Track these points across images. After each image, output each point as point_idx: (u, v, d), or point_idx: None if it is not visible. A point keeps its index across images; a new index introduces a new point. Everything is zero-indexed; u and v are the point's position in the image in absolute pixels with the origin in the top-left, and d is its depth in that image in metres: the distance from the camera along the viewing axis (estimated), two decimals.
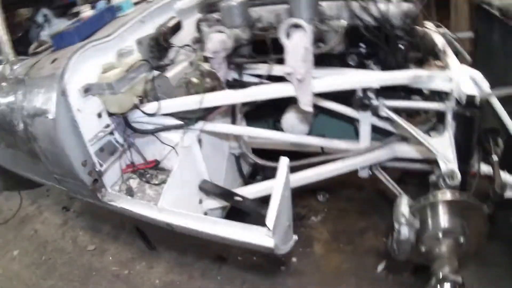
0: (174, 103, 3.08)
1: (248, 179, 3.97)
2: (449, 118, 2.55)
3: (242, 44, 3.01)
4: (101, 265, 4.37)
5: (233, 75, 3.27)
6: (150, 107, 3.08)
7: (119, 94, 2.88)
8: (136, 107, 3.06)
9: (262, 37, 2.95)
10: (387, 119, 2.89)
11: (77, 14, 4.26)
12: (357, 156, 3.11)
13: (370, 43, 2.85)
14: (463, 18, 5.08)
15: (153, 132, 3.16)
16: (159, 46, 3.31)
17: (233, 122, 3.41)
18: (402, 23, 2.67)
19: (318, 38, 2.77)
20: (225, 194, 3.14)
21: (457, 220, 2.27)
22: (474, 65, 2.63)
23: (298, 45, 2.50)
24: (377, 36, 2.73)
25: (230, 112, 3.41)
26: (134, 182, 3.31)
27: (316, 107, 2.75)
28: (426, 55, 2.83)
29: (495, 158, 2.51)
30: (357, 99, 2.77)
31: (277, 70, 2.94)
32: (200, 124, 3.07)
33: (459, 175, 2.37)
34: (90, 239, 4.79)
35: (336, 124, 3.39)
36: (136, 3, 3.67)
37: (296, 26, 2.56)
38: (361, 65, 3.03)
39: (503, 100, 2.48)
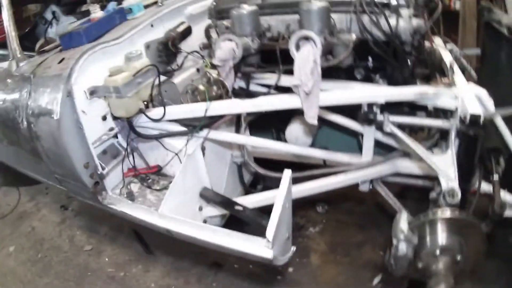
0: (179, 109, 3.08)
1: (249, 188, 3.97)
2: (452, 136, 2.55)
3: (251, 53, 3.01)
4: (97, 265, 4.37)
5: (240, 83, 3.28)
6: (155, 112, 3.07)
7: (125, 98, 2.88)
8: (141, 111, 3.05)
9: (271, 47, 2.95)
10: (391, 135, 2.89)
11: (85, 12, 4.28)
12: (359, 170, 3.11)
13: (378, 57, 2.84)
14: (470, 33, 5.09)
15: (157, 137, 3.16)
16: (167, 50, 3.31)
17: (237, 131, 3.41)
18: (411, 38, 2.67)
19: (327, 51, 2.77)
20: (225, 202, 3.14)
21: (455, 238, 2.29)
22: (480, 82, 2.64)
23: (307, 58, 2.51)
24: (386, 50, 2.74)
25: (235, 121, 3.41)
26: (135, 187, 3.30)
27: (320, 119, 2.75)
28: (433, 71, 2.83)
29: (496, 177, 2.52)
30: (362, 114, 2.77)
31: (284, 81, 2.94)
32: (204, 132, 3.07)
33: (459, 194, 2.38)
34: (87, 239, 4.79)
35: (339, 137, 3.39)
36: (146, 6, 3.67)
37: (306, 38, 2.57)
38: (368, 79, 3.04)
39: (507, 120, 2.50)
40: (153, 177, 3.34)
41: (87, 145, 2.95)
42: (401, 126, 2.78)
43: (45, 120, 2.85)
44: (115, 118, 3.12)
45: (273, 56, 2.92)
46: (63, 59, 2.97)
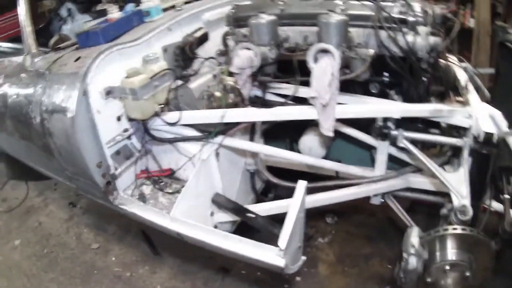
0: (196, 114, 3.11)
1: (260, 196, 3.98)
2: (465, 154, 2.57)
3: (268, 62, 3.02)
4: (103, 264, 4.39)
5: (256, 92, 3.30)
6: (171, 116, 3.09)
7: (141, 100, 2.88)
8: (156, 114, 3.07)
9: (288, 57, 2.96)
10: (404, 150, 2.90)
11: (100, 12, 4.29)
12: (371, 183, 3.12)
13: (394, 73, 2.87)
14: (484, 51, 5.11)
15: (171, 141, 3.18)
16: (184, 55, 3.32)
17: (252, 139, 3.42)
18: (428, 56, 2.69)
19: (345, 64, 2.78)
20: (237, 209, 3.15)
21: (465, 254, 2.31)
22: (493, 101, 2.66)
23: (325, 70, 2.52)
24: (402, 66, 2.75)
25: (249, 129, 3.42)
26: (147, 189, 3.32)
27: (335, 131, 2.76)
28: (448, 89, 2.85)
29: (507, 196, 2.53)
30: (377, 128, 2.79)
31: (302, 92, 2.96)
32: (219, 138, 3.09)
33: (471, 211, 2.42)
34: (95, 237, 4.82)
35: (352, 150, 3.39)
36: (165, 10, 3.68)
37: (324, 50, 2.59)
38: (383, 94, 3.05)
39: None
40: (166, 180, 3.36)
41: (101, 145, 2.98)
42: (413, 142, 2.79)
43: (59, 117, 2.86)
44: (130, 119, 3.13)
45: (290, 67, 2.93)
46: (79, 57, 2.99)
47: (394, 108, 2.77)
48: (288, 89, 3.15)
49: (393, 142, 2.82)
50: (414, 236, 2.35)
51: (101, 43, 3.11)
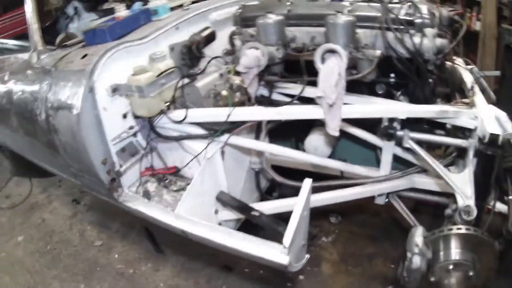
0: (202, 113, 3.11)
1: (265, 195, 3.99)
2: (470, 155, 2.59)
3: (275, 62, 3.03)
4: (106, 261, 4.39)
5: (262, 92, 3.31)
6: (176, 114, 3.10)
7: (148, 98, 2.90)
8: (163, 112, 3.09)
9: (295, 57, 2.97)
10: (409, 150, 2.92)
11: (107, 10, 4.31)
12: (376, 183, 3.13)
13: (400, 74, 2.89)
14: (489, 54, 5.11)
15: (177, 139, 3.20)
16: (191, 54, 3.31)
17: (257, 138, 3.43)
18: (434, 57, 2.70)
19: (351, 65, 2.79)
20: (242, 207, 3.16)
21: (468, 254, 2.33)
22: (498, 104, 2.67)
23: (332, 70, 2.54)
24: (409, 68, 2.77)
25: (255, 128, 3.44)
26: (152, 186, 3.34)
27: (340, 131, 2.77)
28: (454, 91, 2.87)
29: (511, 197, 2.54)
30: (383, 128, 2.80)
31: (308, 92, 2.96)
32: (225, 137, 3.09)
33: (475, 211, 2.43)
34: (98, 234, 4.82)
35: (358, 150, 3.41)
36: (172, 9, 3.69)
37: (332, 51, 2.60)
38: (389, 95, 3.07)
39: None
40: (171, 177, 3.37)
41: (106, 142, 2.99)
42: (419, 143, 2.81)
43: (64, 114, 2.87)
44: (136, 117, 3.14)
45: (296, 67, 2.95)
46: (86, 55, 3.00)
47: (400, 108, 2.79)
48: (294, 89, 3.17)
49: (399, 143, 2.83)
50: (418, 235, 2.36)
51: (108, 41, 3.11)
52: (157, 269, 4.19)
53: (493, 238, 2.35)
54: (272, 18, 2.97)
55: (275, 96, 3.33)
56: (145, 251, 4.44)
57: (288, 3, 3.21)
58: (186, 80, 3.19)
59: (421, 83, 2.84)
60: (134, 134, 3.22)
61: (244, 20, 3.34)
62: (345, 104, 2.72)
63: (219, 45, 3.57)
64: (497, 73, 3.72)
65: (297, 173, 3.28)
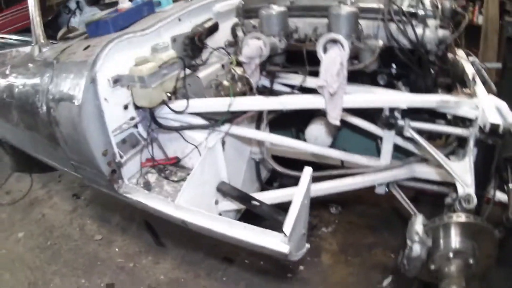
0: (203, 103, 3.11)
1: (265, 185, 4.00)
2: (471, 144, 2.59)
3: (277, 53, 3.05)
4: (106, 255, 4.39)
5: (264, 82, 3.32)
6: (178, 104, 3.10)
7: (149, 88, 2.90)
8: (164, 103, 3.08)
9: (297, 48, 2.99)
10: (410, 140, 2.94)
11: (109, 4, 4.32)
12: (376, 172, 3.15)
13: (402, 64, 2.90)
14: (491, 48, 5.12)
15: (178, 129, 3.19)
16: (193, 45, 3.31)
17: (258, 128, 3.44)
18: (436, 48, 2.71)
19: (353, 55, 2.82)
20: (242, 197, 3.16)
21: (468, 242, 2.31)
22: (499, 95, 2.67)
23: (334, 60, 2.55)
24: (411, 58, 2.78)
25: (256, 118, 3.44)
26: (152, 177, 3.33)
27: (341, 121, 2.78)
28: (455, 81, 2.87)
29: (511, 186, 2.55)
30: (384, 118, 2.81)
31: (310, 82, 2.97)
32: (226, 127, 3.10)
33: (475, 200, 2.43)
34: (98, 228, 4.81)
35: (358, 140, 3.43)
36: (175, 0, 3.71)
37: (334, 41, 2.61)
38: (390, 85, 3.08)
39: None
40: (171, 168, 3.37)
41: (107, 133, 2.98)
42: (420, 133, 2.82)
43: (65, 105, 2.87)
44: (137, 107, 3.13)
45: (298, 57, 2.97)
46: (88, 46, 3.00)
47: (401, 98, 2.79)
48: (295, 79, 3.18)
49: (399, 132, 2.85)
50: (418, 223, 2.36)
51: (110, 33, 3.12)
52: (158, 262, 4.19)
53: (492, 226, 2.35)
54: (275, 9, 3.00)
55: (277, 87, 3.34)
56: (145, 244, 4.44)
57: None
58: (188, 71, 3.19)
59: (423, 74, 2.85)
60: (135, 125, 3.21)
61: (247, 11, 3.37)
62: (346, 94, 2.72)
63: (222, 37, 3.59)
64: (499, 65, 3.73)
65: (298, 164, 3.29)
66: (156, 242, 4.40)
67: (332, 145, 3.39)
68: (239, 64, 3.11)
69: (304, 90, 3.04)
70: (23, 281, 4.24)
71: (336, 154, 3.30)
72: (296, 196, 2.46)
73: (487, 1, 5.28)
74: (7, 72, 3.52)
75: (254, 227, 2.57)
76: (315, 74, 2.68)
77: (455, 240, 2.32)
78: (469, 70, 2.88)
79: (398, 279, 3.52)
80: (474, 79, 2.75)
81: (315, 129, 3.30)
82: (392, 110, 2.79)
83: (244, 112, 3.08)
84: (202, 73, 3.20)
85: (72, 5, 4.86)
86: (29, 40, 3.57)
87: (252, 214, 3.09)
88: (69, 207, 5.25)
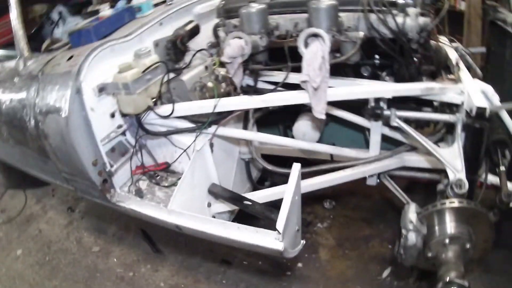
0: (188, 106, 3.10)
1: (257, 185, 3.99)
2: (458, 129, 2.60)
3: (259, 51, 3.04)
4: (105, 266, 4.38)
5: (248, 81, 3.31)
6: (164, 109, 3.09)
7: (134, 94, 2.89)
8: (150, 108, 3.07)
9: (279, 44, 2.99)
10: (398, 129, 2.94)
11: (92, 13, 4.31)
12: (366, 164, 3.14)
13: (385, 55, 2.90)
14: (475, 33, 5.14)
15: (165, 134, 3.19)
16: (176, 49, 3.31)
17: (245, 127, 3.43)
18: (418, 36, 2.71)
19: (335, 48, 2.82)
20: (234, 198, 3.15)
21: (463, 227, 2.32)
22: (485, 79, 2.68)
23: (315, 54, 2.54)
24: (393, 48, 2.78)
25: (243, 118, 3.44)
26: (143, 184, 3.31)
27: (327, 115, 2.79)
28: (439, 68, 2.87)
29: (502, 168, 2.54)
30: (370, 109, 2.82)
31: (293, 78, 2.97)
32: (213, 128, 3.10)
33: (467, 184, 2.44)
34: (95, 240, 4.79)
35: (346, 133, 3.43)
36: (155, 5, 3.71)
37: (315, 35, 2.61)
38: (374, 76, 3.08)
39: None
40: (162, 174, 3.35)
41: (96, 143, 2.97)
42: (407, 122, 2.82)
43: (53, 117, 2.86)
44: (123, 115, 3.13)
45: (280, 55, 2.96)
46: (72, 56, 2.99)
47: (385, 88, 2.80)
48: (279, 76, 3.17)
49: (386, 122, 2.85)
50: (411, 212, 2.36)
51: (93, 41, 3.12)
52: (156, 270, 4.18)
53: (486, 209, 2.35)
54: (255, 7, 2.99)
55: (261, 85, 3.32)
56: (142, 252, 4.42)
57: None
58: (172, 75, 3.19)
59: (406, 63, 2.84)
60: (123, 133, 3.20)
61: (227, 11, 3.36)
62: (330, 87, 2.71)
63: (204, 38, 3.58)
64: (483, 49, 3.74)
65: (288, 161, 3.29)
66: (153, 250, 4.39)
67: (320, 140, 3.39)
68: (222, 64, 3.10)
69: (289, 86, 3.02)
70: None
71: (325, 149, 3.30)
72: (287, 193, 2.45)
73: None
74: None
75: (248, 227, 2.55)
76: (299, 70, 2.67)
77: (450, 225, 2.33)
78: (453, 56, 2.89)
79: (397, 269, 3.52)
80: (458, 65, 2.75)
81: (302, 125, 3.28)
82: (377, 100, 2.80)
83: (230, 113, 3.08)
84: (186, 76, 3.19)
85: (55, 16, 4.85)
86: (13, 54, 3.56)
87: (246, 215, 3.07)
88: (65, 221, 5.22)
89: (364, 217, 4.24)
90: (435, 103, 2.87)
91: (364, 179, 3.33)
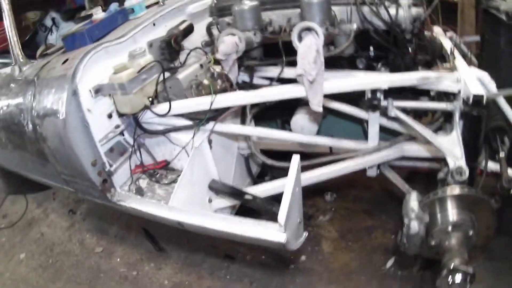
0: (185, 103, 3.10)
1: (257, 179, 3.99)
2: (456, 117, 2.60)
3: (253, 47, 3.06)
4: (109, 267, 4.39)
5: (243, 77, 3.33)
6: (161, 108, 3.09)
7: (130, 94, 2.90)
8: (147, 107, 3.08)
9: (273, 40, 3.01)
10: (395, 119, 2.95)
11: (85, 18, 4.31)
12: (366, 155, 3.15)
13: (380, 46, 2.91)
14: (469, 24, 5.12)
15: (163, 132, 3.19)
16: (170, 48, 3.31)
17: (243, 123, 3.44)
18: (411, 26, 2.72)
19: (329, 42, 2.84)
20: (235, 193, 3.16)
21: (466, 214, 2.32)
22: (480, 68, 2.68)
23: (309, 48, 2.55)
24: (387, 39, 2.79)
25: (240, 113, 3.45)
26: (143, 182, 3.31)
27: (324, 108, 2.79)
28: (434, 58, 2.88)
29: (502, 154, 2.55)
30: (367, 100, 2.82)
31: (288, 73, 2.99)
32: (210, 125, 3.10)
33: (467, 171, 2.44)
34: (97, 241, 4.80)
35: (343, 125, 3.43)
36: (148, 6, 3.72)
37: (308, 29, 2.62)
38: (370, 68, 3.09)
39: (509, 100, 2.54)
40: (161, 172, 3.35)
41: (94, 143, 2.97)
42: (405, 112, 2.83)
43: (50, 120, 2.87)
44: (120, 115, 3.14)
45: (275, 51, 2.97)
46: (67, 59, 3.00)
47: (381, 79, 2.79)
48: (274, 71, 3.19)
49: (384, 113, 2.85)
50: (413, 200, 2.38)
51: (87, 44, 3.12)
52: (160, 268, 4.19)
53: (488, 196, 2.35)
54: (248, 4, 3.01)
55: (257, 81, 3.35)
56: (145, 251, 4.43)
57: None
58: (167, 74, 3.19)
59: (400, 53, 2.86)
60: (121, 133, 3.21)
61: (220, 10, 3.39)
62: (326, 80, 2.71)
63: (198, 38, 3.58)
64: (477, 38, 3.73)
65: (287, 157, 3.30)
66: (156, 248, 4.40)
67: (318, 134, 3.40)
68: (217, 62, 3.11)
69: (285, 82, 3.02)
70: None
71: (324, 141, 3.30)
72: (287, 184, 2.45)
73: None
74: None
75: (250, 220, 2.57)
76: (294, 64, 2.68)
77: (452, 213, 2.33)
78: (447, 45, 2.89)
79: (401, 259, 3.53)
80: (453, 53, 2.75)
81: (300, 119, 3.30)
82: (374, 92, 2.79)
83: (226, 109, 3.08)
84: (181, 75, 3.18)
85: (48, 22, 4.86)
86: (8, 62, 3.57)
87: (246, 212, 3.06)
88: (66, 223, 5.23)
89: (365, 208, 4.24)
90: (432, 93, 2.86)
91: (364, 171, 3.35)
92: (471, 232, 2.30)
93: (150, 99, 3.06)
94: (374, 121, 3.07)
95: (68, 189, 3.55)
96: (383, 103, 2.78)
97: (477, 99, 2.31)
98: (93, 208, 5.19)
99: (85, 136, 2.92)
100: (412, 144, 3.09)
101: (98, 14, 3.41)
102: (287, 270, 3.81)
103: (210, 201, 3.30)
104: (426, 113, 3.14)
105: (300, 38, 2.65)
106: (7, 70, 3.59)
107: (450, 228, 2.30)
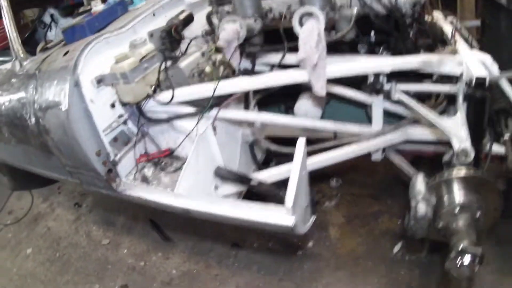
0: (188, 90, 3.08)
1: (262, 166, 3.96)
2: (460, 99, 2.57)
3: (254, 34, 3.07)
4: (116, 258, 4.41)
5: (245, 65, 3.32)
6: (164, 96, 3.08)
7: (132, 83, 2.90)
8: (149, 96, 3.08)
9: (274, 27, 3.01)
10: (399, 103, 2.94)
11: (83, 13, 4.31)
12: (370, 139, 3.15)
13: (381, 31, 2.92)
14: (468, 11, 5.11)
15: (167, 120, 3.18)
16: (170, 38, 3.30)
17: (246, 109, 3.44)
18: (411, 10, 2.71)
19: (330, 27, 2.85)
20: (241, 179, 3.16)
21: (472, 195, 2.31)
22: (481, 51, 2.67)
23: (311, 32, 2.57)
24: (387, 23, 2.79)
25: (243, 101, 3.44)
26: (149, 171, 3.31)
27: (328, 93, 2.79)
28: (435, 41, 2.87)
29: (507, 136, 2.54)
30: (370, 84, 2.81)
31: (290, 59, 2.99)
32: (214, 111, 3.09)
33: (472, 153, 2.43)
34: (104, 233, 4.83)
35: (347, 110, 3.42)
36: None
37: (309, 14, 2.62)
38: (372, 53, 3.09)
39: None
40: (166, 160, 3.34)
41: (98, 133, 2.98)
42: (407, 95, 2.82)
43: (53, 112, 2.87)
44: (123, 104, 3.14)
45: (276, 37, 2.98)
46: (67, 51, 3.00)
47: (384, 62, 2.78)
48: (276, 57, 3.18)
49: (388, 96, 2.85)
50: (420, 182, 2.37)
51: (87, 36, 3.12)
52: (167, 257, 4.21)
53: (494, 178, 2.35)
54: None
55: (259, 68, 3.34)
56: (152, 241, 4.45)
57: None
58: (169, 63, 3.18)
59: (401, 37, 2.85)
60: (125, 122, 3.21)
61: None
62: (328, 64, 2.71)
63: (198, 27, 3.58)
64: (477, 22, 3.73)
65: (291, 143, 3.29)
66: (163, 238, 4.42)
67: (322, 119, 3.38)
68: (219, 51, 3.09)
69: (287, 68, 3.01)
70: None
71: (328, 125, 3.28)
72: (294, 168, 2.46)
73: None
74: None
75: (257, 204, 2.56)
76: (295, 50, 2.68)
77: (459, 194, 2.32)
78: (448, 29, 2.88)
79: (408, 243, 3.54)
80: (455, 36, 2.75)
81: (304, 104, 3.30)
82: (376, 76, 2.78)
83: (230, 95, 3.07)
84: (183, 63, 3.16)
85: (47, 19, 4.87)
86: (8, 60, 3.58)
87: (254, 196, 3.07)
88: (73, 217, 5.26)
89: (371, 193, 4.25)
90: (434, 77, 2.85)
91: (369, 156, 3.36)
92: (478, 214, 2.30)
93: (153, 87, 3.06)
94: (378, 104, 3.07)
95: (73, 181, 3.54)
96: (386, 86, 2.78)
97: (480, 81, 2.31)
98: (99, 201, 5.22)
99: (89, 126, 2.92)
100: (416, 127, 3.08)
101: (98, 6, 3.41)
102: (295, 256, 3.82)
103: (216, 188, 3.28)
104: (430, 97, 3.13)
105: (301, 24, 2.65)
106: (8, 66, 3.59)
107: (457, 210, 2.29)
